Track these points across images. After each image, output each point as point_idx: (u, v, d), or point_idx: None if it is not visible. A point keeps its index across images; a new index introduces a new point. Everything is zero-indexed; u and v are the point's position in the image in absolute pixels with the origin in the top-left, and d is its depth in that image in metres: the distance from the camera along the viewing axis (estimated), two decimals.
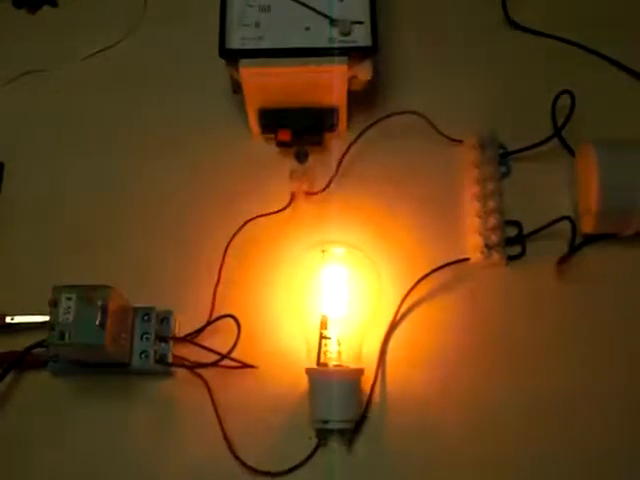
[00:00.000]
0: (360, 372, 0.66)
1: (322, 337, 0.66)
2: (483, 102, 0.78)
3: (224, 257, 0.69)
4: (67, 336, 0.62)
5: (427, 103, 0.76)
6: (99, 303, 0.62)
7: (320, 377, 0.65)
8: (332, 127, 0.74)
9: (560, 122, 0.74)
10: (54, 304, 0.63)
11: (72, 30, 0.83)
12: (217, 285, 0.69)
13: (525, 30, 0.81)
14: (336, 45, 0.68)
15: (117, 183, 0.76)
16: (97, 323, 0.62)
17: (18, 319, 0.69)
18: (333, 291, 0.68)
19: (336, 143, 0.75)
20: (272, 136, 0.74)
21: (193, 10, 0.83)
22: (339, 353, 0.66)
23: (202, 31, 0.76)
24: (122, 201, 0.75)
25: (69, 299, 0.63)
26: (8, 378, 0.67)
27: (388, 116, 0.74)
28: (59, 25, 0.84)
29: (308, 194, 0.73)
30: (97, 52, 0.81)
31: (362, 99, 0.75)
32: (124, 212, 0.74)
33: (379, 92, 0.77)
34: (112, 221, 0.74)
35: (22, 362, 0.67)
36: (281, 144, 0.74)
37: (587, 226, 0.71)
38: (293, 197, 0.72)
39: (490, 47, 0.81)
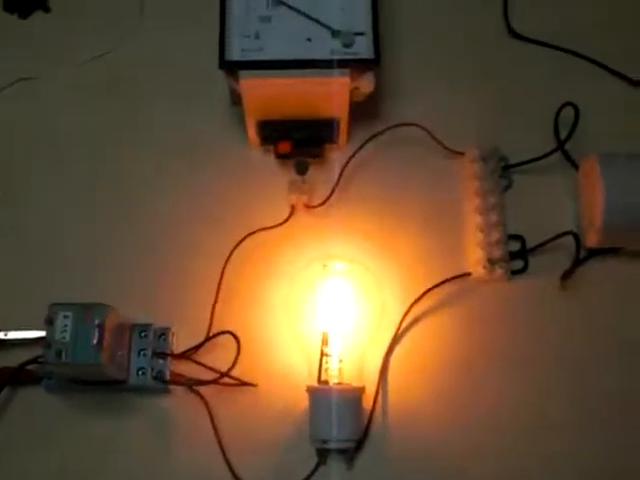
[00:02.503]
0: (361, 390, 0.65)
1: (323, 354, 0.65)
2: (485, 113, 0.77)
3: (223, 272, 0.68)
4: (64, 355, 0.61)
5: (428, 114, 0.75)
6: (96, 322, 0.61)
7: (321, 395, 0.64)
8: (333, 139, 0.73)
9: (563, 134, 0.73)
10: (50, 322, 0.62)
11: (66, 36, 0.81)
12: (216, 300, 0.68)
13: (527, 40, 0.80)
14: (338, 57, 0.67)
15: (113, 195, 0.74)
16: (94, 342, 0.61)
17: (12, 335, 0.68)
18: (334, 307, 0.67)
19: (336, 155, 0.74)
20: (271, 147, 0.73)
21: (191, 16, 0.81)
22: (340, 370, 0.65)
23: (200, 38, 0.76)
24: (118, 215, 0.73)
25: (66, 317, 0.62)
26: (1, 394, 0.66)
27: (389, 128, 0.73)
28: (52, 31, 0.81)
29: (308, 207, 0.72)
30: (92, 59, 0.80)
31: (363, 110, 0.74)
32: (120, 226, 0.73)
33: (380, 103, 0.76)
34: (108, 236, 0.72)
35: (16, 378, 0.66)
36: (281, 156, 0.72)
37: (591, 240, 0.70)
38: (293, 210, 0.71)
39: (492, 58, 0.80)
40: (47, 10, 0.82)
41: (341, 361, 0.65)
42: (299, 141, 0.71)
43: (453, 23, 0.81)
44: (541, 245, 0.70)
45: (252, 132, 0.73)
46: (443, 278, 0.70)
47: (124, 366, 0.66)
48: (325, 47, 0.67)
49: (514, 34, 0.80)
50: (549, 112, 0.75)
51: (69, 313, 0.62)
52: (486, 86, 0.78)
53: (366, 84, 0.68)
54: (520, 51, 0.80)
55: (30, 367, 0.66)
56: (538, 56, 0.80)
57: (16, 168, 0.76)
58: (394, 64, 0.78)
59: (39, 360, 0.65)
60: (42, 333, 0.63)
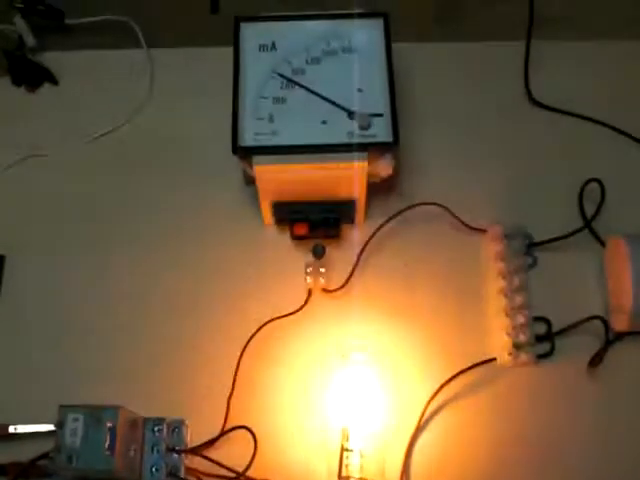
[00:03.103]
0: None
1: (343, 449, 0.63)
2: (506, 188, 0.74)
3: (238, 364, 0.66)
4: (74, 460, 0.59)
5: (448, 191, 0.73)
6: (108, 425, 0.59)
7: None
8: (350, 219, 0.71)
9: (587, 208, 0.72)
10: (60, 425, 0.59)
11: (74, 110, 0.79)
12: (231, 393, 0.65)
13: (548, 109, 0.78)
14: (355, 140, 0.65)
15: (123, 279, 0.72)
16: (106, 447, 0.58)
17: (21, 429, 0.65)
18: (355, 399, 0.65)
19: (354, 235, 0.72)
20: (287, 226, 0.71)
21: (202, 91, 0.79)
22: (362, 466, 0.63)
23: (211, 114, 0.74)
24: (128, 301, 0.71)
25: (76, 420, 0.59)
26: None
27: (408, 208, 0.70)
28: (61, 104, 0.80)
29: (326, 291, 0.69)
30: (101, 135, 0.78)
31: (380, 187, 0.71)
32: (131, 313, 0.70)
33: (397, 179, 0.74)
34: (119, 323, 0.70)
35: (26, 473, 0.64)
36: (297, 238, 0.70)
37: (620, 324, 0.67)
38: (310, 294, 0.69)
39: (512, 130, 0.77)
40: (55, 83, 0.80)
41: (363, 456, 0.63)
42: (315, 222, 0.69)
43: (471, 96, 0.79)
44: (568, 329, 0.68)
45: (267, 213, 0.71)
46: (467, 364, 0.67)
47: (137, 464, 0.63)
48: (341, 130, 0.65)
49: (534, 102, 0.78)
50: (573, 184, 0.73)
51: (79, 416, 0.59)
52: (507, 160, 0.76)
53: (384, 167, 0.66)
54: (541, 121, 0.78)
55: (41, 462, 0.64)
56: (560, 125, 0.77)
57: (22, 253, 0.73)
58: (411, 139, 0.75)
59: (50, 456, 0.63)
60: (52, 427, 0.61)
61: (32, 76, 0.80)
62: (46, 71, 0.80)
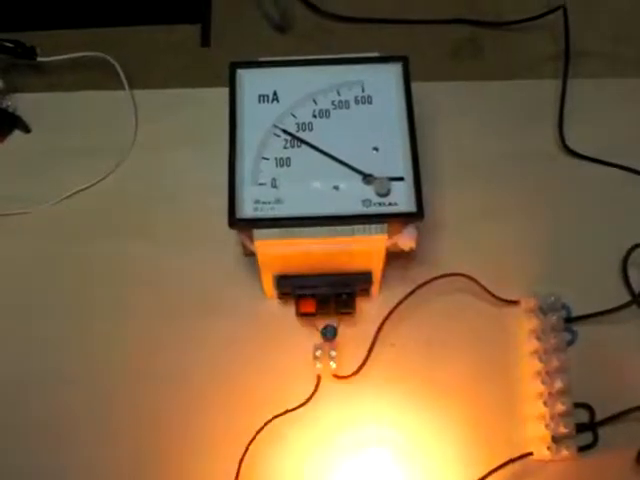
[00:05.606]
0: None
1: None
2: (540, 253, 0.66)
3: (238, 473, 0.57)
4: None
5: (474, 257, 0.65)
6: None
7: None
8: (364, 292, 0.62)
9: (635, 278, 0.64)
10: None
11: (47, 162, 0.70)
12: None
13: (588, 160, 0.69)
14: (372, 210, 0.56)
15: (100, 369, 0.62)
16: None
17: None
18: None
19: (368, 307, 0.63)
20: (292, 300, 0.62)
21: (196, 138, 0.70)
22: None
23: (206, 165, 0.67)
24: (108, 397, 0.61)
25: None
26: None
27: (431, 280, 0.62)
28: (32, 155, 0.70)
29: (338, 377, 0.61)
30: (78, 191, 0.68)
31: (398, 256, 0.62)
32: (116, 420, 0.60)
33: (418, 244, 0.64)
34: (96, 418, 0.61)
35: None
36: (303, 315, 0.61)
37: None
38: (319, 381, 0.60)
39: (546, 185, 0.68)
40: (27, 130, 0.71)
41: None
42: (325, 297, 0.60)
43: (496, 146, 0.70)
44: (612, 418, 0.60)
45: (268, 286, 0.62)
46: (499, 458, 0.58)
47: None
48: (356, 197, 0.56)
49: (570, 151, 0.69)
50: (617, 249, 0.65)
51: None
52: (540, 221, 0.67)
53: (406, 241, 0.57)
54: (579, 174, 0.69)
55: None
56: (601, 179, 0.69)
57: None
58: (430, 198, 0.65)
59: None
60: None
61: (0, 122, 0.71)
62: (16, 118, 0.71)
